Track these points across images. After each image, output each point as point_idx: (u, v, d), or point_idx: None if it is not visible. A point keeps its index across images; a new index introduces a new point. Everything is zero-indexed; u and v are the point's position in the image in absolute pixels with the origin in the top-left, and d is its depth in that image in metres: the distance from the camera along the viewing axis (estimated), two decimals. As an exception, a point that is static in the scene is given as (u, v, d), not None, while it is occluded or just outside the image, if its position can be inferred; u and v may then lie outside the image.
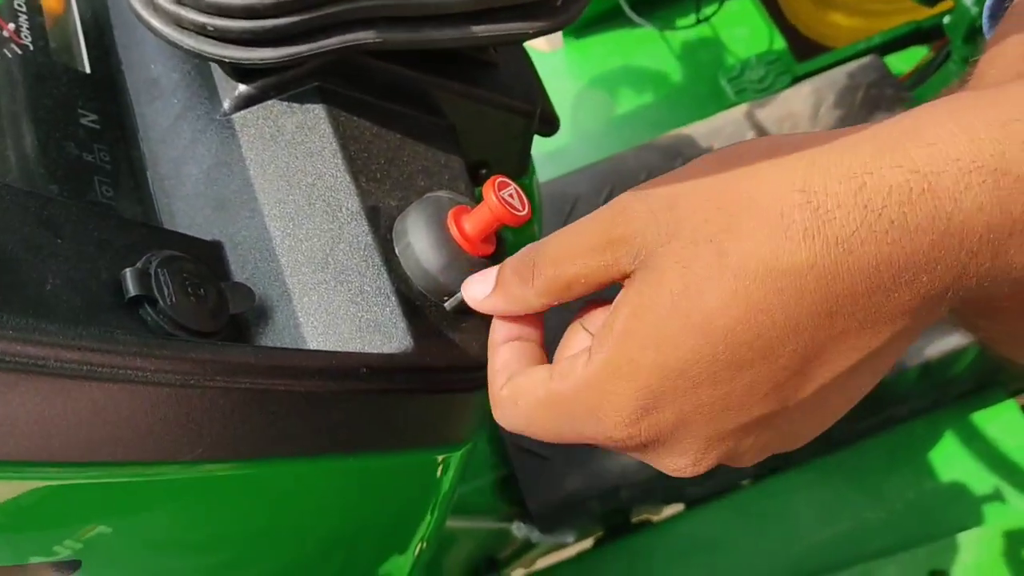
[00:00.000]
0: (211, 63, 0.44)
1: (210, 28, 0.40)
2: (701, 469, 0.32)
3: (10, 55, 0.42)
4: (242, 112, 0.43)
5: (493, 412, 0.35)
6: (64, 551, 0.33)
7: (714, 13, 1.33)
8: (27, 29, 0.43)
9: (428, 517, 0.50)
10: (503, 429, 0.35)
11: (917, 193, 0.26)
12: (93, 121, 0.43)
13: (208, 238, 0.40)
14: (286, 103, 0.43)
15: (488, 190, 0.39)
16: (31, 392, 0.28)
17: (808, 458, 1.05)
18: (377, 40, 0.42)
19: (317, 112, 0.43)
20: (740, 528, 1.03)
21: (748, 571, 1.00)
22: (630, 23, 1.34)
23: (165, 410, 0.30)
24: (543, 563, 1.11)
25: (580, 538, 1.06)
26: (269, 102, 0.43)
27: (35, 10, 0.45)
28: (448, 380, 0.39)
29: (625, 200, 0.30)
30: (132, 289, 0.33)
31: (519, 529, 0.97)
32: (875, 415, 1.03)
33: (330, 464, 0.38)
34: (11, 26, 0.42)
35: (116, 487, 0.32)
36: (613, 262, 0.30)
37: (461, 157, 0.47)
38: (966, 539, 0.93)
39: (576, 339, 0.34)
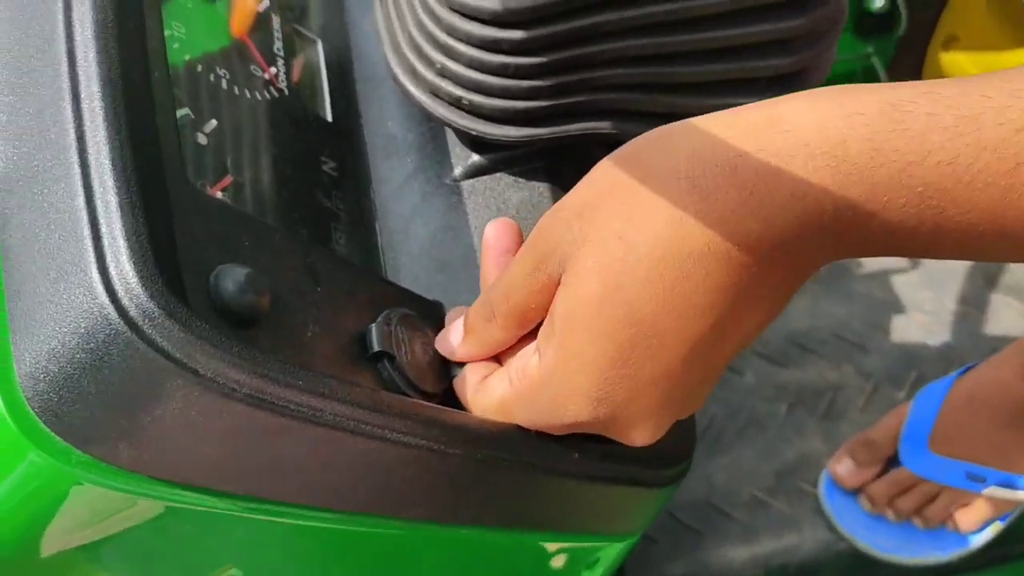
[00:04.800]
0: (447, 129, 0.46)
1: (465, 102, 0.42)
2: (659, 435, 0.35)
3: (269, 97, 0.44)
4: (471, 180, 0.45)
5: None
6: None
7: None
8: (283, 74, 0.46)
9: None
10: None
11: (776, 174, 0.29)
12: (333, 168, 0.45)
13: (429, 297, 0.42)
14: (513, 178, 0.45)
15: None
16: (302, 439, 0.29)
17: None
18: (613, 131, 0.44)
19: (542, 191, 0.44)
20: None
21: None
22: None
23: (414, 469, 0.32)
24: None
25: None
26: (497, 174, 0.45)
27: (291, 55, 0.47)
28: (647, 475, 0.40)
29: (542, 222, 0.34)
30: (376, 345, 0.35)
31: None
32: None
33: (518, 537, 0.39)
34: (272, 70, 0.45)
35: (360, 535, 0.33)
36: (547, 278, 0.33)
37: None
38: None
39: (520, 344, 0.37)
